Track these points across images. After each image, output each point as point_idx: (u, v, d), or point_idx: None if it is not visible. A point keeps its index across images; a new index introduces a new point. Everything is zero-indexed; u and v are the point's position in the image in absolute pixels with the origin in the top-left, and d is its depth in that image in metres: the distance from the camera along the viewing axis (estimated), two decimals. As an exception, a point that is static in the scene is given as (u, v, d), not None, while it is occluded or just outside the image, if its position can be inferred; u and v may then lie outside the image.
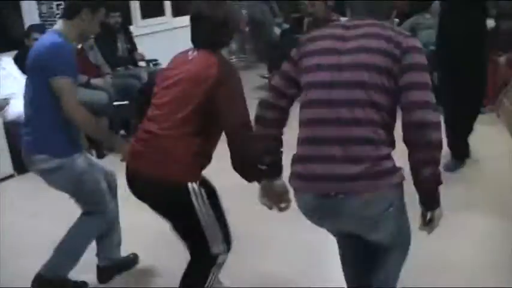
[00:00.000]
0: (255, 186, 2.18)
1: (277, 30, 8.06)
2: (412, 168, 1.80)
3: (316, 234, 2.25)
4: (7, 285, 2.90)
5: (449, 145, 4.08)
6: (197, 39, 2.28)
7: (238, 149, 2.15)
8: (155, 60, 6.25)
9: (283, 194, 2.13)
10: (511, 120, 2.68)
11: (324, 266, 2.93)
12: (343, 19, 2.03)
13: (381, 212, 1.81)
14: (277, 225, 3.09)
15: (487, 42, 4.18)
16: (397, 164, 1.83)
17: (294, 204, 1.97)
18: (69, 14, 2.56)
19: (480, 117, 4.26)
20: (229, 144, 2.16)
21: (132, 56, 6.04)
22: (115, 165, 2.30)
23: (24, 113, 2.67)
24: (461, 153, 4.16)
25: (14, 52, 5.07)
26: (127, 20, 6.55)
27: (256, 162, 2.09)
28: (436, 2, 5.07)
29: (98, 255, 2.92)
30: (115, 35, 5.83)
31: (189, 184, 2.16)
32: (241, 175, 2.20)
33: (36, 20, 5.51)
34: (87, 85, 4.95)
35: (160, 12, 7.67)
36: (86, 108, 2.59)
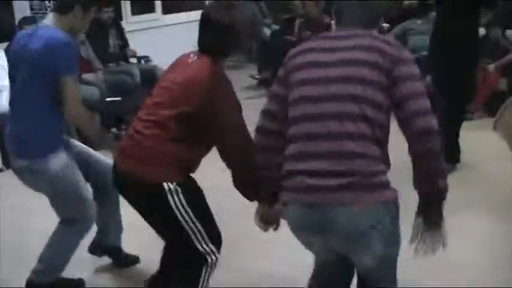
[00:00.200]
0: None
1: (266, 31, 8.06)
2: (423, 180, 1.77)
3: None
4: (4, 285, 2.86)
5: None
6: (200, 44, 2.24)
7: (236, 161, 2.17)
8: (146, 57, 6.22)
9: (279, 218, 2.11)
10: (510, 132, 2.68)
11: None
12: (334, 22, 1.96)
13: (368, 229, 1.74)
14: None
15: (478, 49, 4.28)
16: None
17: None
18: (62, 9, 2.53)
19: (470, 123, 4.34)
20: (226, 158, 2.18)
21: (123, 52, 6.00)
22: None
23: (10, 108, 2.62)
24: (454, 157, 4.23)
25: (5, 44, 5.00)
26: (118, 16, 6.50)
27: (255, 178, 2.04)
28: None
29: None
30: (107, 31, 5.78)
31: (165, 184, 2.14)
32: (242, 193, 2.22)
33: (27, 14, 5.46)
34: (78, 80, 4.89)
35: (150, 9, 7.64)
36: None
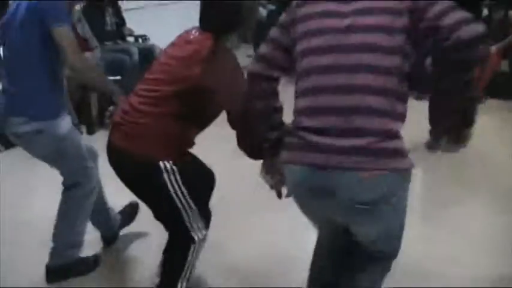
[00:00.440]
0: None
1: (262, 11, 7.96)
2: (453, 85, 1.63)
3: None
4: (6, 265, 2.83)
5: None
6: (202, 20, 2.20)
7: (242, 131, 2.13)
8: (144, 35, 6.14)
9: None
10: None
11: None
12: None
13: (379, 199, 1.57)
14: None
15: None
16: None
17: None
18: None
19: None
20: (232, 126, 2.15)
21: (120, 31, 5.91)
22: (105, 141, 2.28)
23: (2, 73, 2.55)
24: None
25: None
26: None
27: (260, 139, 1.98)
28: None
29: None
30: (103, 9, 5.69)
31: (161, 163, 2.12)
32: (247, 154, 2.17)
33: None
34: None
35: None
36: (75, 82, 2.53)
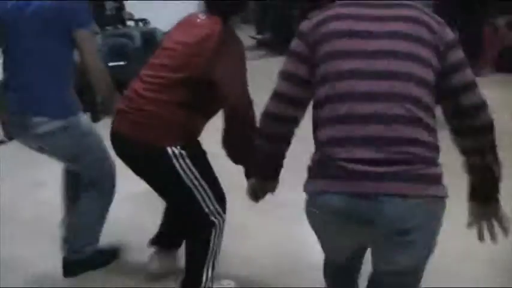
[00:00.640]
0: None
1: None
2: (475, 152, 1.63)
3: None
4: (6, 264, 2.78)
5: None
6: (210, 3, 2.15)
7: (236, 128, 2.10)
8: (145, 19, 6.05)
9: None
10: None
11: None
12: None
13: (419, 226, 1.52)
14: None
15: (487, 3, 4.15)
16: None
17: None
18: None
19: (480, 80, 4.19)
20: (227, 120, 2.10)
21: (120, 15, 5.83)
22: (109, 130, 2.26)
23: (12, 71, 2.47)
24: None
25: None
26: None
27: (249, 145, 1.89)
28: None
29: None
30: (102, -7, 5.63)
31: (169, 149, 2.08)
32: (230, 157, 2.17)
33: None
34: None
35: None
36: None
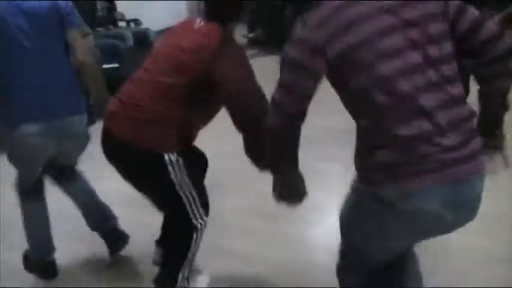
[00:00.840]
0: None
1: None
2: (496, 79, 1.67)
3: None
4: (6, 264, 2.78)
5: None
6: (209, 10, 2.13)
7: (247, 127, 2.06)
8: (136, 20, 6.02)
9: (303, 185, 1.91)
10: None
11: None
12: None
13: (480, 199, 1.63)
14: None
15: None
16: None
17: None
18: None
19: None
20: (236, 123, 2.07)
21: (111, 16, 5.80)
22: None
23: (28, 76, 2.40)
24: None
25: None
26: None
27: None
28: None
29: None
30: (93, -7, 5.59)
31: (165, 155, 2.08)
32: (253, 160, 2.13)
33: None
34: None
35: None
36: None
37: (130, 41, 5.32)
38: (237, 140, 2.15)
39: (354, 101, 1.62)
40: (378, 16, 1.54)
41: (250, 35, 7.51)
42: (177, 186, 2.11)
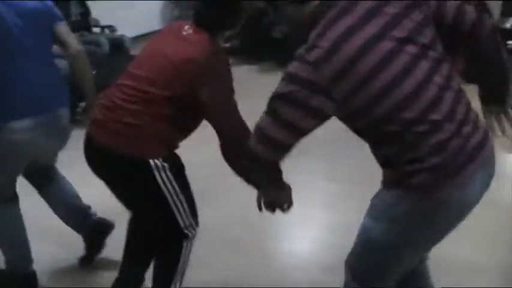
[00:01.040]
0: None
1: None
2: (491, 54, 1.72)
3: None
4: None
5: None
6: (199, 17, 2.06)
7: (234, 149, 2.04)
8: (111, 26, 5.93)
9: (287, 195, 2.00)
10: None
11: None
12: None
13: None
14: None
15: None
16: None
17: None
18: None
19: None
20: (227, 152, 2.09)
21: (86, 21, 5.70)
22: (77, 138, 2.26)
23: (23, 71, 2.38)
24: None
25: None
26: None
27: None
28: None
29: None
30: (68, -2, 5.47)
31: (151, 161, 2.04)
32: (232, 166, 2.11)
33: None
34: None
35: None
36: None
37: (106, 48, 5.22)
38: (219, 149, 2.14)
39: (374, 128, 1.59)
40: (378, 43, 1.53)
41: (226, 45, 7.50)
42: (165, 192, 2.07)
